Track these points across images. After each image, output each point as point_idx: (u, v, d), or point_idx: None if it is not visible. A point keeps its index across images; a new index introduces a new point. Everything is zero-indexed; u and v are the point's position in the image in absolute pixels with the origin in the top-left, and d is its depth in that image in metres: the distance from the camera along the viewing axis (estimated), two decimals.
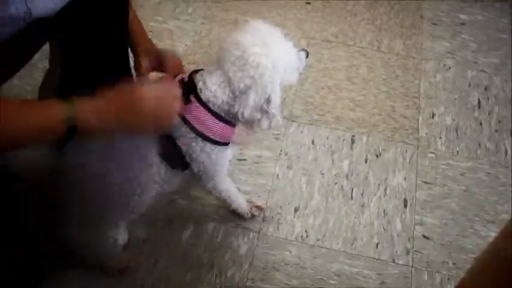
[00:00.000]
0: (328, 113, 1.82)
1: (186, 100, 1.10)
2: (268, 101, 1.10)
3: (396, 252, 1.50)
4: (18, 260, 1.26)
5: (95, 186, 1.17)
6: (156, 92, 0.99)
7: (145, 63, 1.27)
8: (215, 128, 1.13)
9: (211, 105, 1.11)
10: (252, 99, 1.09)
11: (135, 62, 1.28)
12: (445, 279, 1.46)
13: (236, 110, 1.10)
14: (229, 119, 1.15)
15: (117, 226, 1.29)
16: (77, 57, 1.26)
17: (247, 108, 1.10)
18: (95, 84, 0.95)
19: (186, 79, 1.15)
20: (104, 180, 1.16)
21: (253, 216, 1.52)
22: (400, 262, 1.49)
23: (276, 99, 1.12)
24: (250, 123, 1.16)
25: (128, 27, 1.25)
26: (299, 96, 1.85)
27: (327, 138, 1.75)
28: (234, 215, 1.51)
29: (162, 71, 1.27)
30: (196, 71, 1.16)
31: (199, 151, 1.15)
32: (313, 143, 1.73)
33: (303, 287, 1.42)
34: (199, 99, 1.11)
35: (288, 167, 1.66)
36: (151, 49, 1.30)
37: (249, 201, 1.52)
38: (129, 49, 1.30)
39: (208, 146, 1.15)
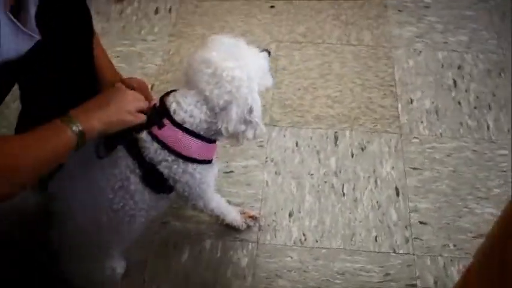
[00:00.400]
0: (308, 113, 1.81)
1: (159, 124, 1.10)
2: (250, 111, 1.11)
3: (396, 242, 1.50)
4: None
5: (83, 218, 1.15)
6: (131, 94, 1.10)
7: None
8: (194, 147, 1.12)
9: (188, 126, 1.10)
10: (235, 112, 1.09)
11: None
12: (448, 261, 1.46)
13: (219, 127, 1.10)
14: (208, 136, 1.14)
15: (112, 256, 1.27)
16: (38, 94, 1.25)
17: (230, 123, 1.10)
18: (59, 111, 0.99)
19: (157, 104, 1.14)
20: (90, 211, 1.15)
21: (248, 227, 1.50)
22: (401, 251, 1.48)
23: (258, 108, 1.12)
24: (235, 136, 1.15)
25: (94, 64, 1.24)
26: (277, 100, 1.84)
27: (310, 138, 1.74)
28: (230, 229, 1.50)
29: None
30: (167, 94, 1.16)
31: (182, 172, 1.14)
32: (297, 145, 1.72)
33: None
34: (173, 122, 1.10)
35: (276, 173, 1.65)
36: (115, 79, 1.30)
37: (242, 213, 1.51)
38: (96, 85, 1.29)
39: (190, 166, 1.14)
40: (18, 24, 0.94)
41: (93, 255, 1.23)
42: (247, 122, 1.12)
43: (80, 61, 1.21)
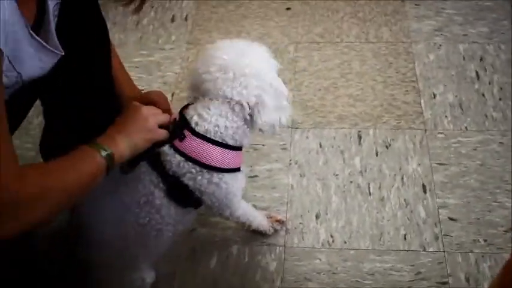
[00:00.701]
0: (330, 113, 1.80)
1: (180, 136, 1.10)
2: (279, 94, 1.12)
3: (425, 239, 1.48)
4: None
5: (110, 232, 1.16)
6: (147, 110, 1.10)
7: None
8: (218, 155, 1.11)
9: (211, 135, 1.10)
10: (268, 101, 1.10)
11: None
12: (479, 257, 1.44)
13: (258, 122, 1.11)
14: (233, 144, 1.14)
15: (141, 267, 1.27)
16: (61, 109, 1.26)
17: (268, 113, 1.10)
18: (80, 135, 1.00)
19: (177, 117, 1.15)
20: (117, 226, 1.15)
21: (275, 231, 1.50)
22: (431, 249, 1.46)
23: (284, 89, 1.14)
24: (270, 127, 1.14)
25: (113, 77, 1.25)
26: (298, 102, 1.83)
27: (334, 138, 1.73)
28: (256, 234, 1.49)
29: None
30: (185, 107, 1.16)
31: (207, 183, 1.13)
32: (320, 146, 1.71)
33: None
34: (194, 133, 1.10)
35: (300, 175, 1.65)
36: (136, 95, 1.31)
37: (268, 217, 1.50)
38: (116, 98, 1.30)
39: (215, 176, 1.13)
40: (42, 41, 0.95)
41: (122, 267, 1.24)
42: (279, 108, 1.13)
43: (100, 73, 1.22)
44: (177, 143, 1.10)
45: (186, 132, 1.10)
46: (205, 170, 1.11)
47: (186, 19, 2.17)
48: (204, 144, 1.10)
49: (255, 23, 2.14)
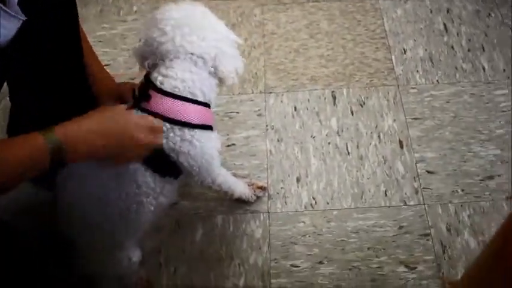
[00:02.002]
0: (302, 75, 1.79)
1: (146, 97, 1.08)
2: (232, 42, 1.17)
3: (405, 194, 1.51)
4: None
5: (90, 209, 1.13)
6: (137, 120, 1.03)
7: (110, 104, 1.24)
8: (187, 110, 1.10)
9: (179, 92, 1.09)
10: (228, 50, 1.14)
11: (97, 102, 1.25)
12: (458, 207, 1.47)
13: (222, 70, 1.12)
14: (202, 99, 1.13)
15: (126, 246, 1.26)
16: (28, 90, 1.21)
17: (228, 61, 1.13)
18: (50, 117, 0.94)
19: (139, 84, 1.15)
20: (96, 201, 1.13)
21: (258, 198, 1.50)
22: (411, 203, 1.49)
23: (235, 37, 1.18)
24: (234, 74, 1.17)
25: (84, 61, 1.20)
26: (269, 67, 1.81)
27: (308, 101, 1.72)
28: (240, 202, 1.49)
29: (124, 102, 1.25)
30: (148, 72, 1.15)
31: (180, 141, 1.10)
32: (295, 109, 1.71)
33: (326, 253, 1.41)
34: (160, 91, 1.09)
35: (278, 140, 1.64)
36: (113, 87, 1.27)
37: (249, 185, 1.50)
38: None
39: (187, 133, 1.10)
40: (1, 5, 0.89)
41: (107, 247, 1.22)
42: (235, 56, 1.17)
43: (67, 45, 1.16)
44: (144, 104, 1.08)
45: (152, 92, 1.09)
46: (176, 127, 1.09)
47: None
48: (171, 101, 1.08)
49: None
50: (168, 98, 1.09)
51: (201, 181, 1.26)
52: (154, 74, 1.11)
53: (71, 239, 1.21)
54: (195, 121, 1.11)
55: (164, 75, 1.09)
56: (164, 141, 1.09)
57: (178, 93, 1.09)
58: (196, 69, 1.11)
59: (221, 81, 1.16)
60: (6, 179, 0.87)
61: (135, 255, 1.28)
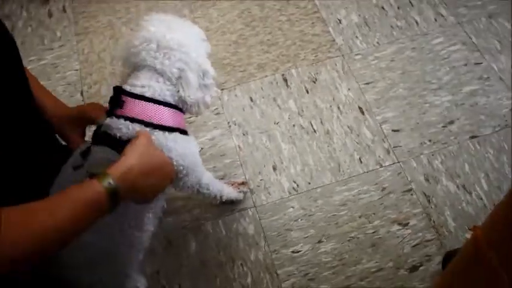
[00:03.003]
0: (248, 65, 1.78)
1: (119, 103, 1.06)
2: (204, 73, 1.11)
3: (379, 157, 1.55)
4: None
5: (95, 244, 1.08)
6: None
7: (77, 134, 1.21)
8: (162, 113, 1.08)
9: (149, 95, 1.07)
10: (192, 77, 1.08)
11: (64, 138, 1.20)
12: (430, 157, 1.54)
13: (182, 95, 1.08)
14: (176, 103, 1.11)
15: (130, 275, 1.21)
16: None
17: (191, 89, 1.09)
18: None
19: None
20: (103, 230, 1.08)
21: (245, 194, 1.49)
22: (386, 164, 1.54)
23: (209, 68, 1.13)
24: (196, 105, 1.13)
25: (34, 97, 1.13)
26: (213, 64, 1.73)
27: (262, 89, 1.72)
28: (226, 204, 1.47)
29: (90, 122, 1.20)
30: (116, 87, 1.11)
31: (164, 139, 1.08)
32: (251, 100, 1.70)
33: (322, 231, 1.44)
34: (132, 95, 1.06)
35: (243, 134, 1.63)
36: (70, 112, 1.21)
37: (230, 184, 1.49)
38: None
39: (162, 136, 1.08)
40: None
41: (113, 280, 1.17)
42: (203, 87, 1.12)
43: (16, 90, 1.09)
44: (118, 111, 1.05)
45: (124, 98, 1.06)
46: (157, 131, 1.06)
47: (64, 10, 2.00)
48: (145, 104, 1.06)
49: None
50: (141, 101, 1.06)
51: (188, 185, 1.23)
52: (123, 85, 1.09)
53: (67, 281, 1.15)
54: (170, 124, 1.09)
55: (132, 85, 1.07)
56: None
57: (148, 96, 1.06)
58: (163, 79, 1.08)
59: (184, 106, 1.13)
60: (62, 241, 0.82)
61: (141, 282, 1.25)
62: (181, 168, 1.14)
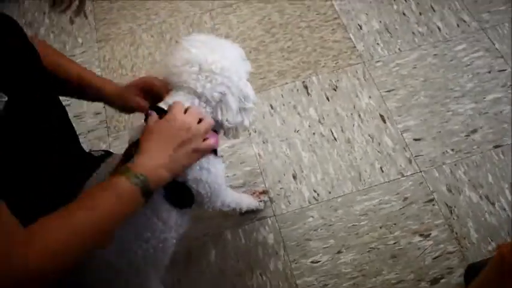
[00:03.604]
0: (269, 72, 1.78)
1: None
2: (245, 97, 1.08)
3: (400, 166, 1.53)
4: None
5: (120, 261, 1.09)
6: (187, 117, 0.99)
7: (137, 100, 1.15)
8: None
9: None
10: (232, 102, 1.06)
11: (127, 102, 1.15)
12: (453, 166, 1.52)
13: (220, 119, 1.06)
14: (212, 128, 1.09)
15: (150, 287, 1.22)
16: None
17: (231, 113, 1.07)
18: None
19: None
20: (120, 246, 1.09)
21: (265, 203, 1.49)
22: (408, 173, 1.52)
23: (250, 92, 1.10)
24: (234, 128, 1.11)
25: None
26: None
27: (282, 96, 1.72)
28: (246, 214, 1.47)
29: (153, 96, 1.16)
30: (152, 105, 1.08)
31: (199, 170, 1.07)
32: (272, 107, 1.70)
33: (342, 242, 1.42)
34: None
35: (264, 142, 1.63)
36: (137, 84, 1.17)
37: (251, 193, 1.49)
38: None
39: (204, 161, 1.07)
40: None
41: None
42: (243, 110, 1.10)
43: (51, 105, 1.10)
44: None
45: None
46: None
47: (86, 17, 2.02)
48: None
49: (161, 1, 2.03)
50: None
51: (212, 206, 1.23)
52: (162, 105, 1.05)
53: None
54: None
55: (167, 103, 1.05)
56: (188, 172, 1.06)
57: None
58: (199, 101, 1.05)
59: (219, 129, 1.11)
60: (105, 232, 0.84)
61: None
62: (208, 193, 1.13)
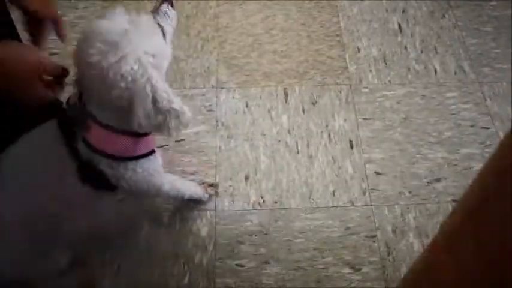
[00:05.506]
0: (255, 71, 1.76)
1: (85, 127, 0.98)
2: (154, 101, 0.96)
3: (353, 195, 1.50)
4: None
5: (19, 219, 1.06)
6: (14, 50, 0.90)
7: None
8: (126, 145, 1.02)
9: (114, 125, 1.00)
10: (138, 106, 0.95)
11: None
12: (405, 209, 1.48)
13: (134, 124, 0.97)
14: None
15: (49, 255, 1.19)
16: None
17: (139, 118, 0.96)
18: None
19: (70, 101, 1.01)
20: (26, 212, 1.05)
21: (210, 196, 1.47)
22: (358, 204, 1.49)
23: (164, 94, 0.97)
24: (158, 129, 1.02)
25: None
26: (222, 61, 1.78)
27: (260, 97, 1.70)
28: (189, 201, 1.45)
29: None
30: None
31: (124, 170, 1.05)
32: (247, 105, 1.68)
33: (272, 253, 1.40)
34: (98, 123, 0.99)
35: (228, 137, 1.61)
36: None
37: (200, 183, 1.47)
38: None
39: (130, 164, 1.05)
40: None
41: (32, 254, 1.14)
42: (164, 111, 0.98)
43: None
44: (85, 135, 0.99)
45: (91, 123, 0.99)
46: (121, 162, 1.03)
47: None
48: (109, 135, 0.99)
49: None
50: (105, 130, 0.99)
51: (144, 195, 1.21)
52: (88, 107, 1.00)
53: None
54: (139, 152, 1.06)
55: (93, 108, 0.99)
56: (107, 169, 1.03)
57: (114, 126, 1.00)
58: (112, 110, 0.98)
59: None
60: None
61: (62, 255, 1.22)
62: (133, 188, 1.10)
